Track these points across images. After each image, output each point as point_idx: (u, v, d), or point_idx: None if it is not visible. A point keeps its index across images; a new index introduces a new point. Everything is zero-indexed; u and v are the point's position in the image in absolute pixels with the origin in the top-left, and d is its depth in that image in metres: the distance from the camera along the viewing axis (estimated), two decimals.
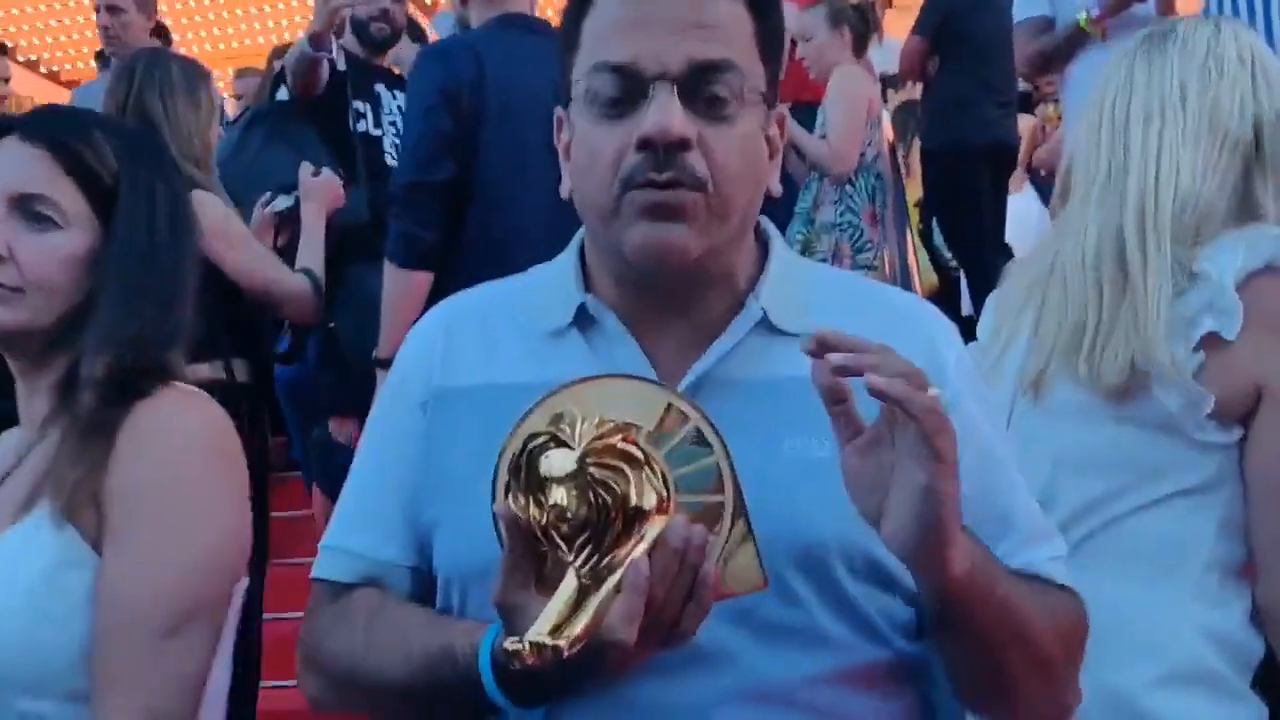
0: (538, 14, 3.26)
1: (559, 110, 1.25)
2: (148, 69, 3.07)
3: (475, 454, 1.12)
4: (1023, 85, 5.52)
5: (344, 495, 1.30)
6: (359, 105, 4.05)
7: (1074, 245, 1.68)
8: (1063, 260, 1.69)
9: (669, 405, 1.03)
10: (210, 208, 2.92)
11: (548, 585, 1.00)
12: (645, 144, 1.11)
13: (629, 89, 1.13)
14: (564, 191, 1.23)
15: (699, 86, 1.13)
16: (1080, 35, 4.31)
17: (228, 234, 2.97)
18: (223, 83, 5.88)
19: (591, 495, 0.98)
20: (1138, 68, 1.70)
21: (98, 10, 4.59)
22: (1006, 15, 4.71)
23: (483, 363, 1.23)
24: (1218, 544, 1.55)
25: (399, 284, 2.91)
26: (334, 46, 3.76)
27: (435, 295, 2.81)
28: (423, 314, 2.70)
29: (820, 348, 0.99)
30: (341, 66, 3.87)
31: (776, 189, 1.24)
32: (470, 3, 3.17)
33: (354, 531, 1.26)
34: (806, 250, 4.38)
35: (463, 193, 2.88)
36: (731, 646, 1.09)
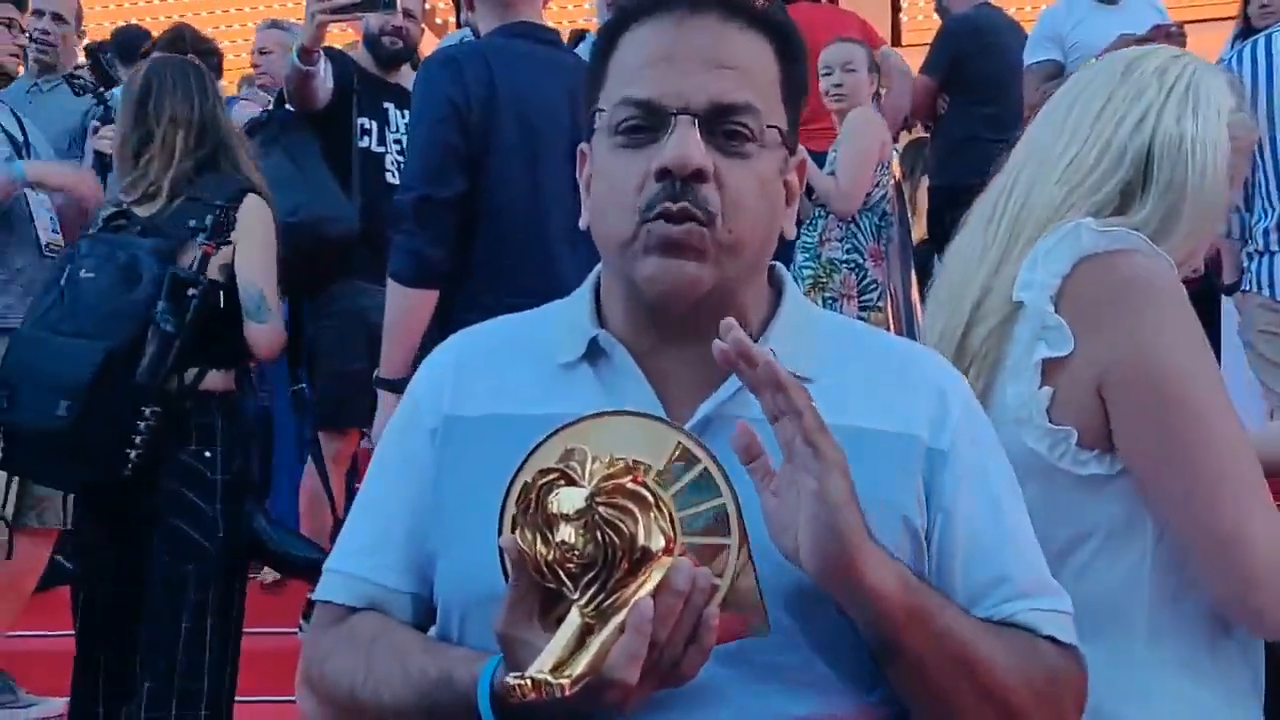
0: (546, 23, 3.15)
1: (581, 145, 1.27)
2: (206, 80, 3.03)
3: (481, 483, 1.12)
4: None
5: (350, 518, 1.31)
6: (364, 121, 4.05)
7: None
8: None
9: (679, 445, 1.03)
10: (253, 208, 2.95)
11: (550, 620, 1.01)
12: (663, 173, 1.13)
13: (651, 121, 1.15)
14: (583, 224, 1.25)
15: (719, 123, 1.15)
16: None
17: (251, 231, 2.94)
18: None
19: (599, 534, 0.98)
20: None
21: (40, 15, 4.54)
22: (1016, 56, 4.75)
23: (493, 393, 1.24)
24: (1156, 580, 1.47)
25: (403, 302, 2.78)
26: (323, 64, 3.72)
27: (442, 315, 2.76)
28: (428, 333, 2.73)
29: (734, 351, 1.03)
30: (330, 84, 3.84)
31: (791, 232, 1.25)
32: (477, 9, 3.06)
33: (358, 556, 1.27)
34: (817, 286, 4.38)
35: (471, 209, 2.77)
36: (723, 685, 1.09)
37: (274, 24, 5.60)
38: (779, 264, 1.28)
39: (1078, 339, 1.44)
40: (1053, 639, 1.19)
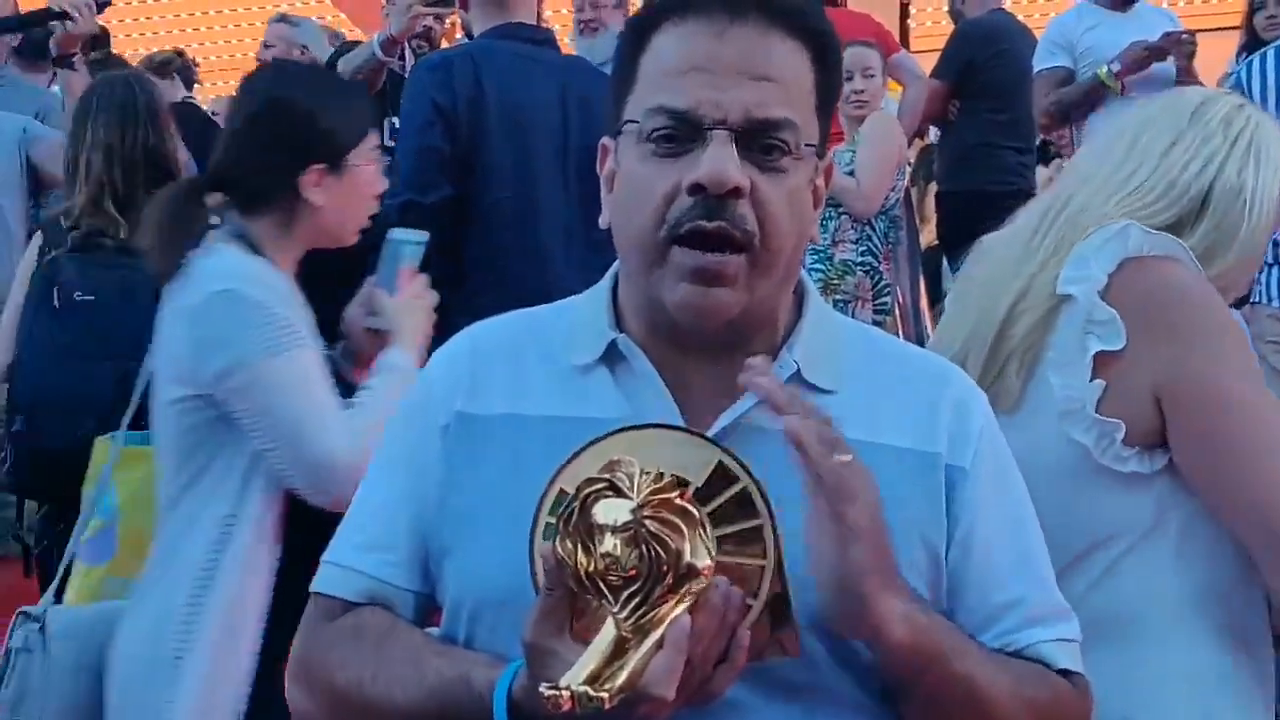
0: (544, 23, 3.14)
1: (605, 139, 1.23)
2: (148, 109, 3.00)
3: (495, 484, 1.12)
4: (1040, 137, 5.54)
5: (352, 511, 1.28)
6: (395, 121, 4.06)
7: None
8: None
9: (720, 463, 1.02)
10: None
11: (576, 632, 0.99)
12: (697, 189, 1.10)
13: (685, 132, 1.12)
14: (603, 222, 1.22)
15: (756, 138, 1.12)
16: (1100, 89, 4.36)
17: None
18: None
19: (644, 548, 0.97)
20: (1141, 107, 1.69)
21: None
22: (1029, 63, 4.75)
23: (508, 392, 1.21)
24: (1178, 586, 1.49)
25: None
26: (408, 55, 3.74)
27: (437, 319, 2.73)
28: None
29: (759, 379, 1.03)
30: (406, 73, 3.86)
31: (816, 236, 1.24)
32: (471, 9, 3.05)
33: (362, 550, 1.24)
34: (828, 289, 4.37)
35: (461, 213, 2.75)
36: (744, 703, 1.08)
37: (283, 18, 5.55)
38: (801, 271, 1.26)
39: (1130, 337, 1.47)
40: (1064, 671, 1.19)
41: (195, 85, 6.54)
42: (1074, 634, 1.22)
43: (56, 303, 2.85)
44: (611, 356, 1.20)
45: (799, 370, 1.19)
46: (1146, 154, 1.60)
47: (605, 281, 1.26)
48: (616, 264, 1.25)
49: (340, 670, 1.18)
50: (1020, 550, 1.21)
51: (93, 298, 2.84)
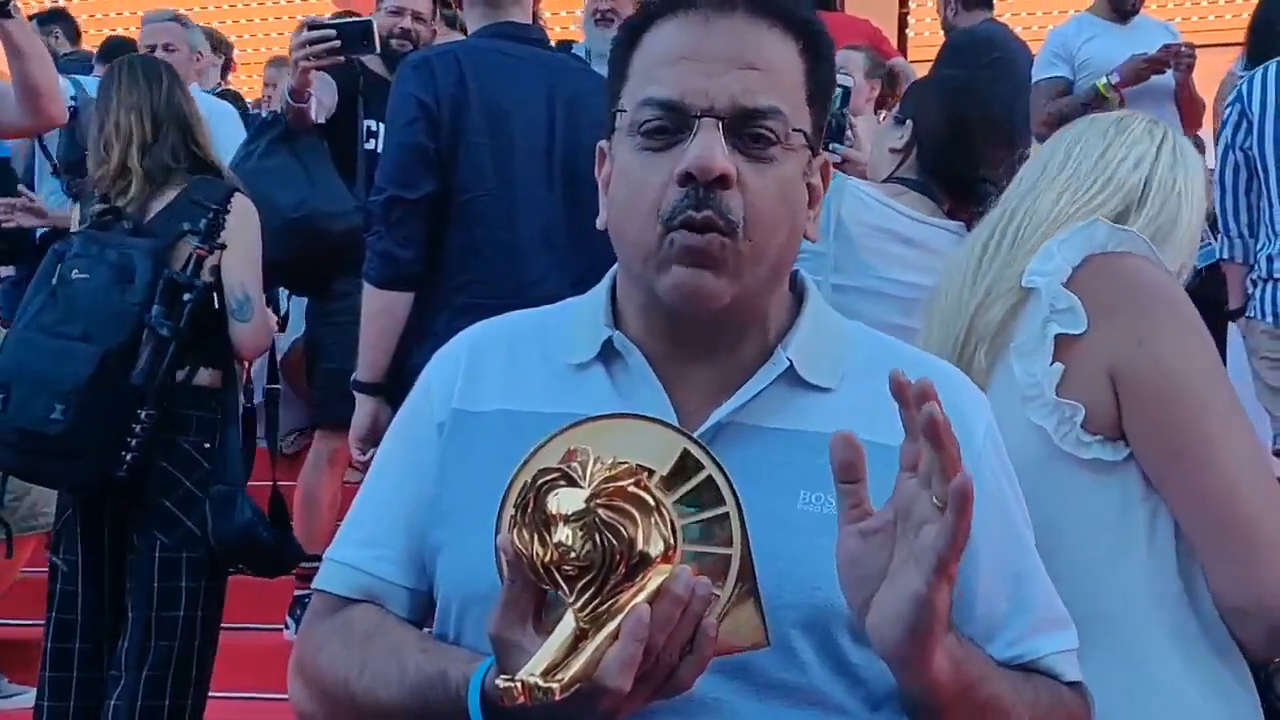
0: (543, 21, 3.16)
1: (600, 143, 1.24)
2: (169, 74, 3.03)
3: (485, 479, 1.11)
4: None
5: (353, 509, 1.29)
6: (370, 124, 4.04)
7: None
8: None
9: (685, 451, 1.01)
10: (241, 210, 2.98)
11: (546, 623, 0.98)
12: (686, 178, 1.10)
13: (674, 123, 1.12)
14: (600, 223, 1.22)
15: (743, 126, 1.12)
16: (1099, 100, 4.35)
17: (238, 232, 2.98)
18: None
19: (598, 537, 0.95)
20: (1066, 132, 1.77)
21: None
22: (1023, 72, 4.75)
23: (503, 389, 1.22)
24: (1155, 586, 1.48)
25: (376, 304, 2.82)
26: (314, 102, 3.68)
27: (417, 316, 2.79)
28: (402, 334, 2.71)
29: (916, 394, 0.98)
30: (321, 118, 3.81)
31: (815, 235, 1.22)
32: (465, 9, 3.08)
33: (358, 546, 1.25)
34: None
35: (443, 209, 2.80)
36: (728, 701, 1.07)
37: (175, 17, 5.33)
38: (801, 270, 1.26)
39: (1091, 321, 1.48)
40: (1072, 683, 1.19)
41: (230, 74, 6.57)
42: (1074, 642, 1.21)
43: (55, 279, 2.84)
44: (607, 354, 1.20)
45: (792, 366, 1.17)
46: (1080, 164, 1.68)
47: (605, 282, 1.26)
48: (615, 266, 1.24)
49: (330, 667, 1.19)
50: (1025, 558, 1.20)
51: (87, 277, 2.82)
